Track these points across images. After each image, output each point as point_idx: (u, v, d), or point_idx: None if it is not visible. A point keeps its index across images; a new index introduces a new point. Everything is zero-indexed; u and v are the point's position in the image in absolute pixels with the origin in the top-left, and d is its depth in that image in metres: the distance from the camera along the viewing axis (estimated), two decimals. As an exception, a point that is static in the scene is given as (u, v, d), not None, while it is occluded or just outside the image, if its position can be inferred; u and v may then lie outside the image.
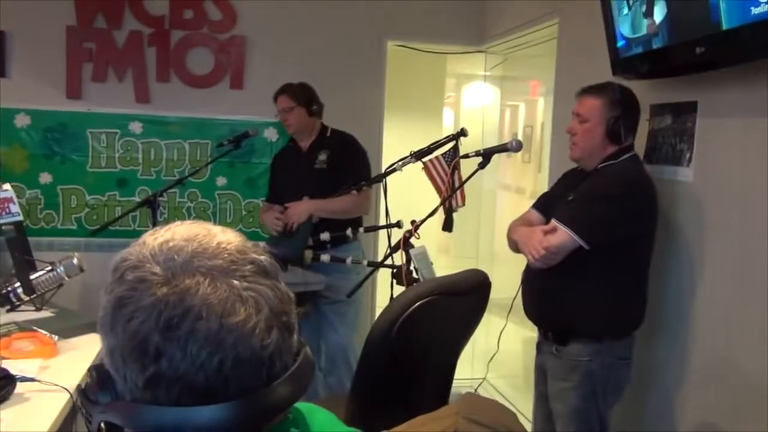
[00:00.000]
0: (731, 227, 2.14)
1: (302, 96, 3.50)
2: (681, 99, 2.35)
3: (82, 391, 0.81)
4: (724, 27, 1.86)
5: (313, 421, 0.86)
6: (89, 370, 0.81)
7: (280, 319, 0.77)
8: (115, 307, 0.76)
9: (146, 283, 0.74)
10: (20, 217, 2.02)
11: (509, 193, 5.80)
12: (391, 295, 2.42)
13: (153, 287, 0.74)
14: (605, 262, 2.24)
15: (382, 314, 1.80)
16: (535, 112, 6.29)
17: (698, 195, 2.29)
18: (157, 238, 0.80)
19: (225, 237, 0.80)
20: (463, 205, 2.80)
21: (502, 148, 2.55)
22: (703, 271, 2.27)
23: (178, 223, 0.83)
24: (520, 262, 2.50)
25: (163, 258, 0.76)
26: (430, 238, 2.64)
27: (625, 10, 2.36)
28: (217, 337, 0.72)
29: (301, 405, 0.86)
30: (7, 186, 1.99)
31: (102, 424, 0.78)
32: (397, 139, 4.29)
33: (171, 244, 0.78)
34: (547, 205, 2.52)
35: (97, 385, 0.78)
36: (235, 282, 0.75)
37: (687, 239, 2.35)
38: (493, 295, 2.21)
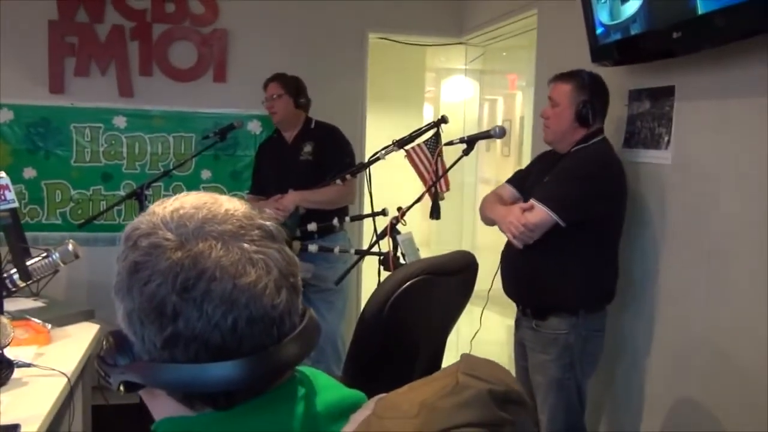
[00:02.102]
0: (707, 207, 2.20)
1: (292, 86, 3.56)
2: (659, 84, 2.42)
3: (100, 357, 0.84)
4: (700, 12, 1.92)
5: (318, 381, 0.89)
6: (105, 336, 0.84)
7: (288, 280, 0.81)
8: (130, 272, 0.78)
9: (160, 248, 0.77)
10: (15, 204, 2.03)
11: (489, 186, 5.83)
12: (379, 281, 2.46)
13: (168, 252, 0.77)
14: (579, 239, 2.36)
15: (373, 294, 1.84)
16: (513, 105, 6.34)
17: (677, 177, 2.35)
18: (166, 207, 0.82)
19: (232, 205, 0.83)
20: (447, 190, 2.85)
21: (485, 135, 2.61)
22: (679, 249, 2.34)
23: (184, 193, 0.87)
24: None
25: (174, 225, 0.79)
26: (411, 229, 2.68)
27: (604, -2, 2.42)
28: (231, 297, 0.75)
29: (304, 368, 0.89)
30: (2, 173, 2.00)
31: (121, 385, 0.81)
32: (377, 134, 4.32)
33: (181, 212, 0.81)
34: (521, 182, 2.64)
35: (115, 348, 0.81)
36: (245, 245, 0.78)
37: (665, 220, 2.41)
38: (477, 286, 2.23)
